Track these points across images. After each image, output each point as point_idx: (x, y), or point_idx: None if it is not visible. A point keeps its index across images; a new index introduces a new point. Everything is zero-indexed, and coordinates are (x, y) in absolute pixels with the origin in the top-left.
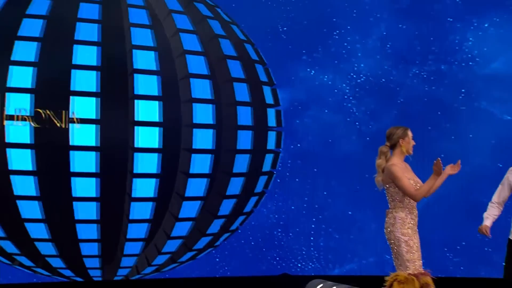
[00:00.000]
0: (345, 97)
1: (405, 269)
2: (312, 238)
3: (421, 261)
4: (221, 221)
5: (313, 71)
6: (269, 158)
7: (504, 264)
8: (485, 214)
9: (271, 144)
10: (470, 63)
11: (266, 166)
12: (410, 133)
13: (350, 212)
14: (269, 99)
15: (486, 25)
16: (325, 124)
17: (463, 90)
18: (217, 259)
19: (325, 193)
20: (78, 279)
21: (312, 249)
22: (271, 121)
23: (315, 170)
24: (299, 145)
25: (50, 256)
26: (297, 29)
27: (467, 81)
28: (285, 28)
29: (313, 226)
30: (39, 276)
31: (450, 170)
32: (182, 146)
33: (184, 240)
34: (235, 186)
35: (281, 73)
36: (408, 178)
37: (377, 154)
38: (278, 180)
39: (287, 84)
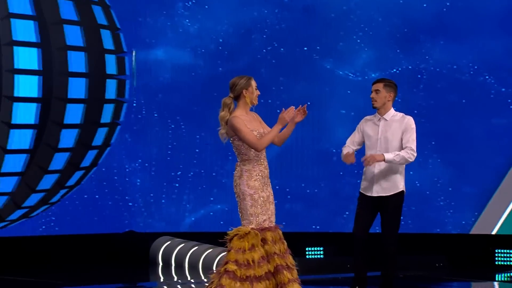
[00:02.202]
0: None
1: (248, 224)
2: (160, 194)
3: (267, 216)
4: (54, 177)
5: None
6: (109, 108)
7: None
8: (342, 150)
9: (111, 93)
10: None
11: (106, 117)
12: (253, 83)
13: (202, 171)
14: (108, 45)
15: None
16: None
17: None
18: (54, 218)
19: (172, 146)
20: None
21: (157, 205)
22: (111, 69)
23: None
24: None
25: None
26: None
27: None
28: None
29: (164, 183)
30: None
31: (298, 117)
32: (4, 94)
33: (10, 197)
34: (67, 138)
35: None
36: (252, 129)
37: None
38: (127, 135)
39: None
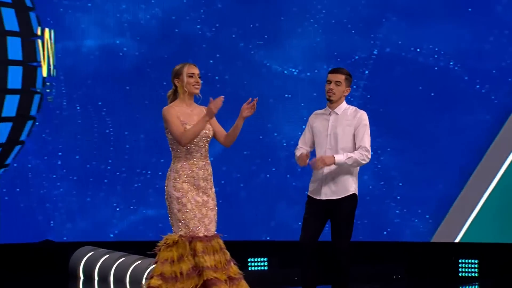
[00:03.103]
0: None
1: (177, 230)
2: (83, 198)
3: (202, 223)
4: None
5: None
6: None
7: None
8: (296, 153)
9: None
10: None
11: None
12: (187, 69)
13: (135, 170)
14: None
15: None
16: None
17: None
18: None
19: (97, 142)
20: None
21: (79, 210)
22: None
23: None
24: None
25: None
26: None
27: None
28: None
29: (88, 185)
30: None
31: (245, 112)
32: None
33: None
34: None
35: None
36: (185, 123)
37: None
38: (48, 131)
39: None
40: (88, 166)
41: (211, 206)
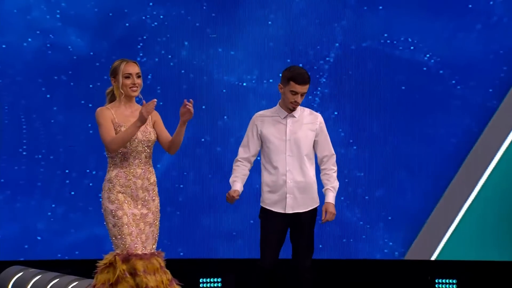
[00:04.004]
0: None
1: (115, 248)
2: (10, 206)
3: (140, 239)
4: None
5: None
6: None
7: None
8: (232, 178)
9: None
10: None
11: None
12: (124, 68)
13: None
14: None
15: None
16: None
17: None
18: None
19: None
20: None
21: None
22: None
23: None
24: None
25: None
26: None
27: None
28: None
29: (17, 192)
30: None
31: (185, 115)
32: None
33: None
34: None
35: None
36: (120, 125)
37: None
38: None
39: None
40: (15, 168)
41: (150, 220)
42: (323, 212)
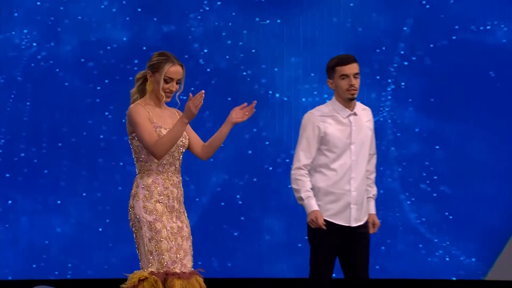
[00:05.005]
0: None
1: (147, 266)
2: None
3: (178, 256)
4: None
5: None
6: None
7: None
8: (304, 194)
9: None
10: None
11: None
12: (167, 68)
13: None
14: None
15: None
16: None
17: None
18: None
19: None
20: None
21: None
22: None
23: None
24: None
25: None
26: None
27: None
28: None
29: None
30: None
31: (239, 116)
32: None
33: None
34: None
35: None
36: (159, 126)
37: None
38: None
39: None
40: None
41: (186, 235)
42: (370, 225)
